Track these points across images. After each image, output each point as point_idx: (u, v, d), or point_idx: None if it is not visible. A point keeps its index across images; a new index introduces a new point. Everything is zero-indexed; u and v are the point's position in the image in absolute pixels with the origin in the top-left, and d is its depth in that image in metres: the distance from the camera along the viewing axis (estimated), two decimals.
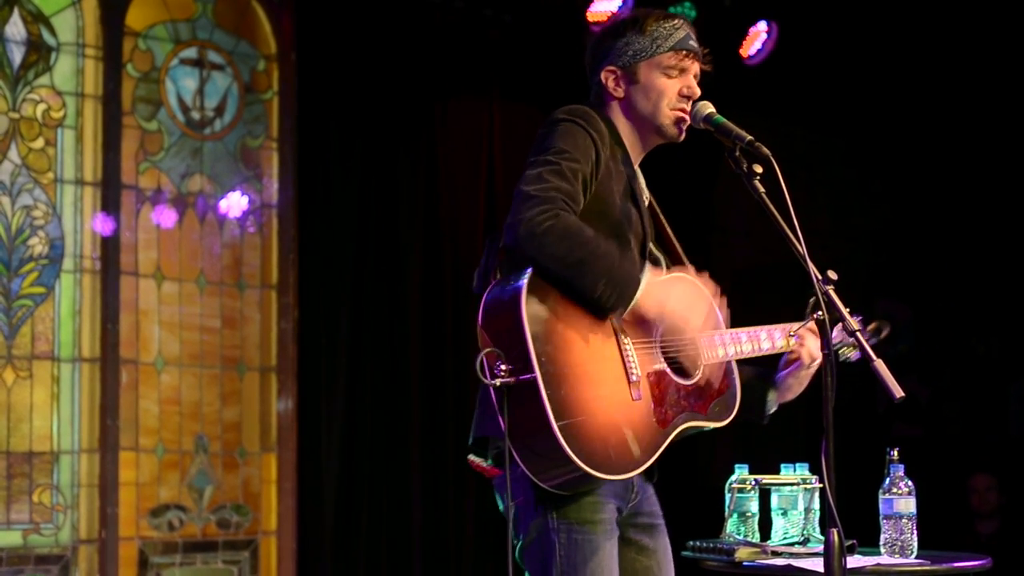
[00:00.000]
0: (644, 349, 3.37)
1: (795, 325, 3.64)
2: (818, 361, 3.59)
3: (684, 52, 3.53)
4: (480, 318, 3.26)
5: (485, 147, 8.07)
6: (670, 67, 3.53)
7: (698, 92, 3.55)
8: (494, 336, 3.21)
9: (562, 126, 3.41)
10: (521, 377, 3.14)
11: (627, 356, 3.31)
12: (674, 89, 3.53)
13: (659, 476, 3.59)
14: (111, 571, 7.04)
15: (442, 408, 7.72)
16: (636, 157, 3.62)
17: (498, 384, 3.14)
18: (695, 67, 3.57)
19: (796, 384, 3.68)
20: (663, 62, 3.53)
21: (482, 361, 3.17)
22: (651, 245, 3.58)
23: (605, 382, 3.25)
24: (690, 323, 3.36)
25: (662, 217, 3.68)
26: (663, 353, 3.41)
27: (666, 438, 3.34)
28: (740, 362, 3.67)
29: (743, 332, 3.58)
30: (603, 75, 3.58)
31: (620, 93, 3.57)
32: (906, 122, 9.34)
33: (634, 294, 3.24)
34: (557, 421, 3.11)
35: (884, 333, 3.98)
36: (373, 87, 7.68)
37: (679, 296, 3.35)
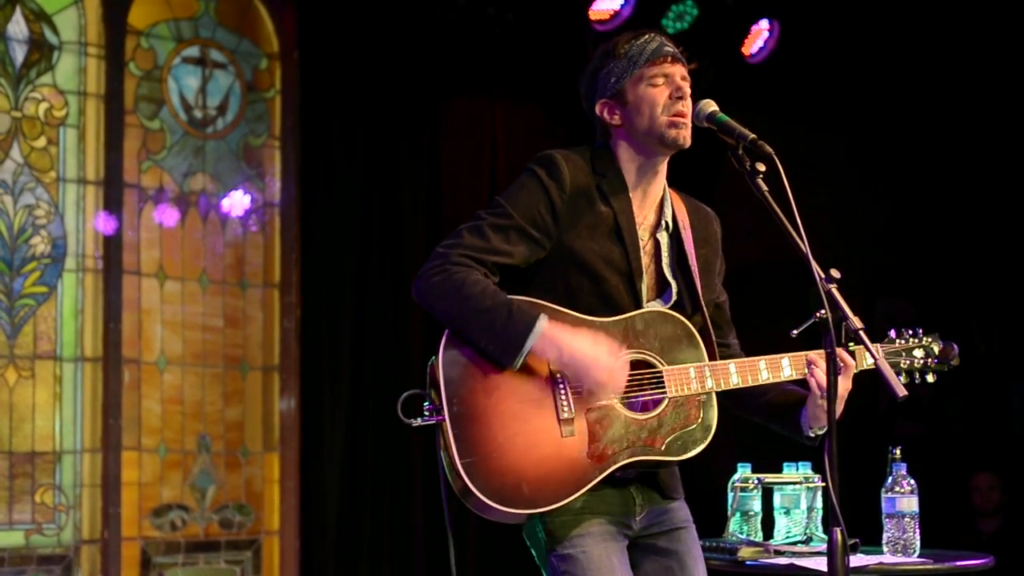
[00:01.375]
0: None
1: (806, 353, 3.59)
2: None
3: (661, 58, 3.55)
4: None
5: (488, 145, 8.06)
6: (653, 77, 3.54)
7: (688, 91, 3.55)
8: (429, 378, 3.42)
9: (520, 178, 3.54)
10: (435, 418, 3.36)
11: (560, 395, 3.38)
12: (663, 95, 3.53)
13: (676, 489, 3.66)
14: (113, 571, 7.04)
15: None
16: (646, 183, 3.62)
17: (415, 425, 3.38)
18: (679, 70, 3.57)
19: (820, 412, 3.57)
20: (645, 74, 3.54)
21: (404, 401, 3.41)
22: (666, 272, 3.59)
23: (527, 421, 3.36)
24: (597, 365, 3.36)
25: (688, 242, 3.66)
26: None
27: (601, 473, 3.38)
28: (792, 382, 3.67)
29: (732, 364, 3.55)
30: (598, 110, 3.61)
31: (617, 120, 3.59)
32: (908, 120, 9.34)
33: (520, 348, 3.32)
34: (461, 459, 3.33)
35: (954, 356, 3.95)
36: (376, 85, 7.68)
37: (582, 341, 3.37)
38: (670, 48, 3.57)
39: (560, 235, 3.47)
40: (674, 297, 3.59)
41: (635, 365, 3.45)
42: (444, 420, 3.33)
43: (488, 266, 3.42)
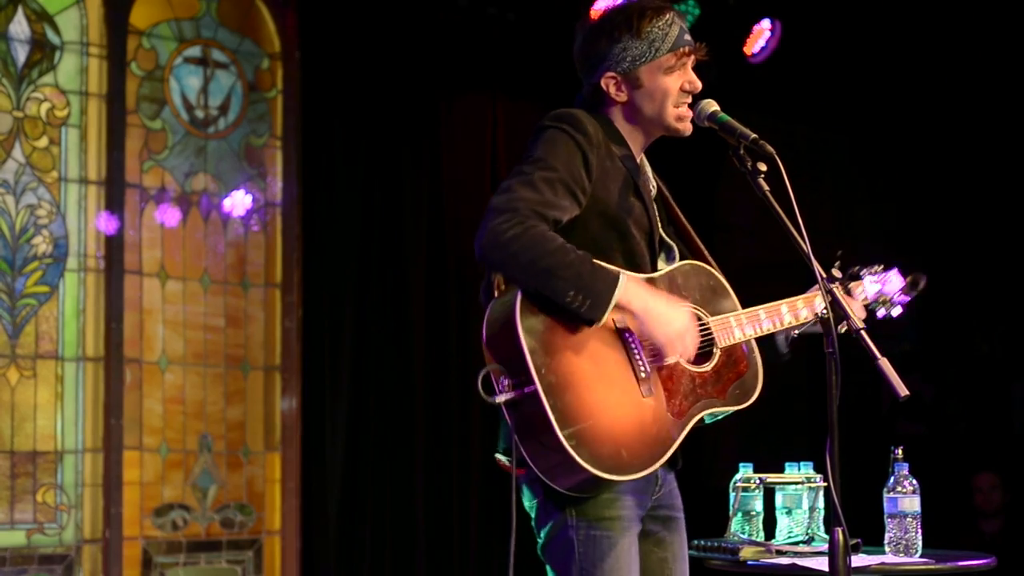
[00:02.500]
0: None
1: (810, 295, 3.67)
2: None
3: (682, 49, 3.53)
4: (484, 335, 3.31)
5: (489, 145, 8.06)
6: (671, 67, 3.52)
7: (700, 85, 3.55)
8: (496, 352, 3.27)
9: (546, 134, 3.42)
10: (524, 391, 3.18)
11: (634, 354, 3.32)
12: (676, 85, 3.53)
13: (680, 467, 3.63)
14: (115, 571, 7.04)
15: (446, 406, 7.72)
16: (638, 149, 3.61)
17: (501, 401, 3.21)
18: (692, 60, 3.56)
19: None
20: (664, 63, 3.52)
21: (484, 379, 3.23)
22: (662, 233, 3.58)
23: (612, 383, 3.27)
24: (671, 323, 3.34)
25: (673, 204, 3.69)
26: None
27: (683, 428, 3.36)
28: None
29: (762, 310, 3.59)
30: (604, 82, 3.55)
31: (623, 98, 3.55)
32: (910, 120, 9.33)
33: (608, 302, 3.24)
34: (562, 429, 3.15)
35: (922, 285, 3.97)
36: (377, 85, 7.68)
37: (661, 301, 3.35)
38: (689, 38, 3.55)
39: (593, 191, 3.40)
40: (677, 257, 3.60)
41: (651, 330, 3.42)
42: (536, 390, 3.16)
43: (550, 222, 3.29)
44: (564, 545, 3.37)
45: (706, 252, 3.64)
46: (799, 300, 3.67)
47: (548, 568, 3.44)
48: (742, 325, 3.52)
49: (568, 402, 3.19)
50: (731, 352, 3.51)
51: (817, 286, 3.32)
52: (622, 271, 3.30)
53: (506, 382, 3.21)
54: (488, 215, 3.25)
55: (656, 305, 3.32)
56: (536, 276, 3.21)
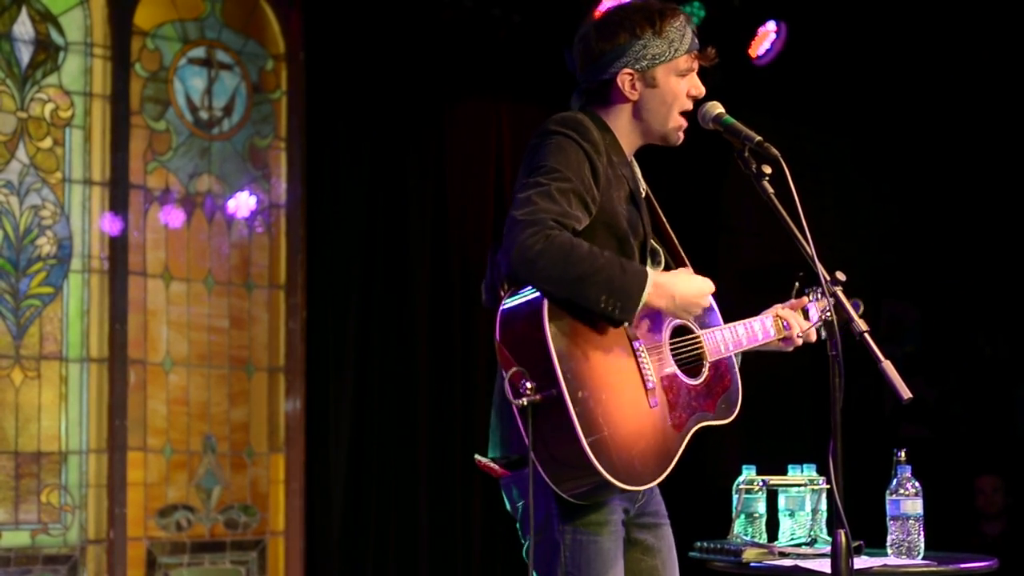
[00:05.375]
0: (655, 353, 3.37)
1: (780, 306, 3.68)
2: (802, 339, 3.69)
3: (695, 53, 3.53)
4: (498, 334, 3.27)
5: (493, 148, 8.06)
6: (685, 69, 3.52)
7: (704, 91, 3.54)
8: (515, 353, 3.21)
9: (553, 141, 3.38)
10: (546, 394, 3.14)
11: (642, 363, 3.31)
12: (683, 90, 3.53)
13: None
14: (119, 571, 7.04)
15: (450, 408, 7.72)
16: (631, 153, 3.60)
17: (524, 403, 3.14)
18: (698, 66, 3.56)
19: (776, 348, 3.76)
20: (680, 65, 3.51)
21: (510, 381, 3.16)
22: (652, 239, 3.57)
23: (625, 392, 3.26)
24: (703, 295, 3.40)
25: (658, 209, 3.65)
26: (672, 355, 3.42)
27: (683, 441, 3.35)
28: None
29: (740, 326, 3.59)
30: (620, 78, 3.51)
31: (635, 96, 3.52)
32: (914, 123, 9.33)
33: (638, 302, 3.23)
34: (586, 437, 3.13)
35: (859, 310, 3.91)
36: (382, 87, 7.69)
37: (683, 280, 3.39)
38: (698, 42, 3.55)
39: (600, 200, 3.37)
40: (662, 262, 3.58)
41: (676, 332, 3.46)
42: (563, 396, 3.12)
43: (570, 231, 3.25)
44: (550, 548, 3.34)
45: (686, 259, 3.61)
46: (768, 318, 3.68)
47: (533, 571, 3.38)
48: (725, 340, 3.53)
49: (590, 410, 3.16)
50: (717, 366, 3.51)
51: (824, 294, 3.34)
52: (647, 268, 3.32)
53: (528, 385, 3.15)
54: (512, 229, 3.21)
55: (687, 291, 3.37)
56: (568, 286, 3.19)
